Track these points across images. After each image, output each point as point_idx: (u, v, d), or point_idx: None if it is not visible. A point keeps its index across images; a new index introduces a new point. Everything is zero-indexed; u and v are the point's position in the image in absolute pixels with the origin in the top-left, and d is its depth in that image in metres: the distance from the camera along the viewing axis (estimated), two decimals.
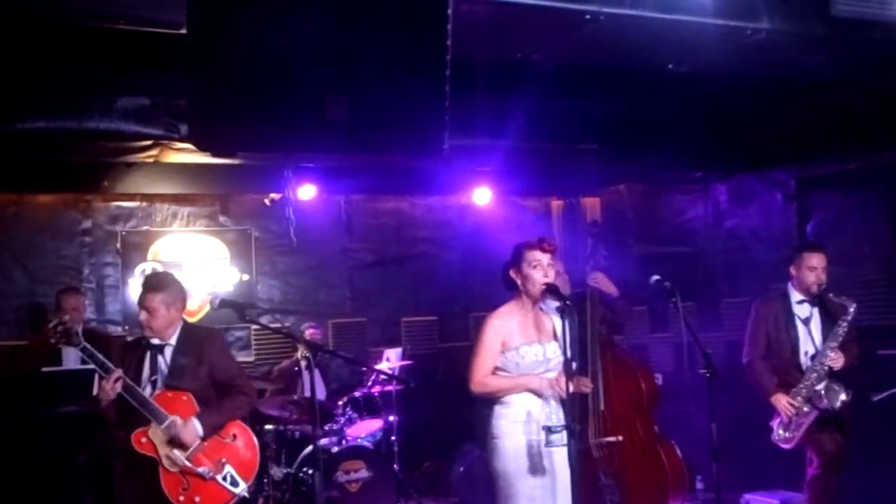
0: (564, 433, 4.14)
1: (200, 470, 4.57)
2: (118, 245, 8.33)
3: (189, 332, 4.81)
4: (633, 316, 6.51)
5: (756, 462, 6.41)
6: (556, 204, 10.06)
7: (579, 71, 5.76)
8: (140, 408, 4.49)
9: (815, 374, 5.48)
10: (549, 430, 4.23)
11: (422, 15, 3.71)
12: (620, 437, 5.64)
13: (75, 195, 8.21)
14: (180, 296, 4.80)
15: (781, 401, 5.53)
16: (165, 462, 4.50)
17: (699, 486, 7.20)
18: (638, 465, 5.70)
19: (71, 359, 6.43)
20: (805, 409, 5.48)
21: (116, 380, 4.45)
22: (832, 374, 5.47)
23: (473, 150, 6.80)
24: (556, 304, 4.34)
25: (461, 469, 7.62)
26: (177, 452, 4.52)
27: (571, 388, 4.19)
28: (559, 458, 4.24)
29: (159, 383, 4.63)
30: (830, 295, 5.53)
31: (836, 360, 5.45)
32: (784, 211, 7.79)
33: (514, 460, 4.30)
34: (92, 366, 4.53)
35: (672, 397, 6.03)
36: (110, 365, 4.51)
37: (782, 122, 6.75)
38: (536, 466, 4.29)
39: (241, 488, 4.67)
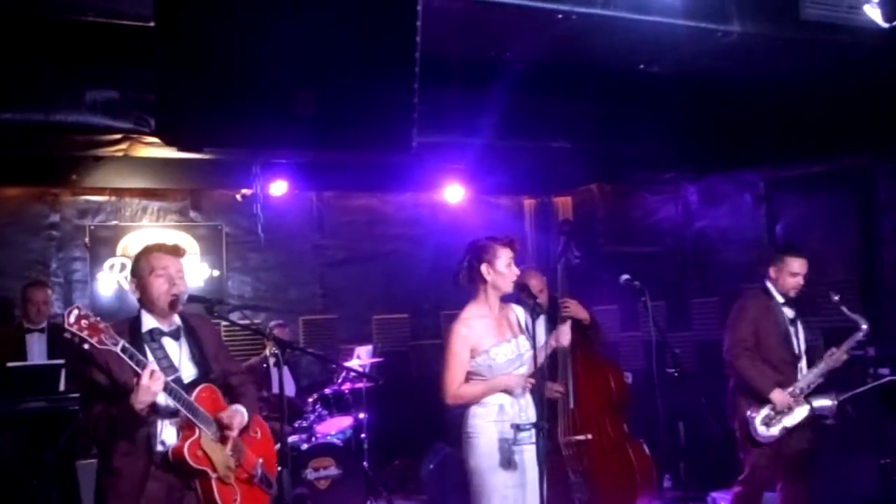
0: (533, 431, 4.15)
1: (254, 473, 3.83)
2: (86, 239, 8.25)
3: (185, 314, 3.81)
4: (603, 340, 6.52)
5: (723, 461, 6.46)
6: (528, 202, 10.09)
7: (552, 70, 5.79)
8: (186, 412, 3.51)
9: (818, 375, 5.43)
10: (517, 427, 4.20)
11: (391, 10, 3.71)
12: (590, 436, 5.66)
13: (43, 189, 8.12)
14: None
15: (783, 397, 5.36)
16: (223, 473, 3.61)
17: (667, 484, 7.23)
18: (606, 464, 5.73)
19: (35, 351, 6.37)
20: (801, 408, 5.45)
21: (152, 373, 3.34)
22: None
23: (445, 147, 6.80)
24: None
25: (431, 467, 7.62)
26: (232, 459, 3.69)
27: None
28: (529, 454, 4.23)
29: (182, 380, 3.61)
30: (844, 308, 5.43)
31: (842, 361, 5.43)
32: (753, 212, 7.87)
33: (488, 456, 4.28)
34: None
35: (641, 396, 6.05)
36: (141, 357, 3.43)
37: (752, 124, 6.81)
38: (509, 462, 4.27)
39: (274, 488, 3.91)
